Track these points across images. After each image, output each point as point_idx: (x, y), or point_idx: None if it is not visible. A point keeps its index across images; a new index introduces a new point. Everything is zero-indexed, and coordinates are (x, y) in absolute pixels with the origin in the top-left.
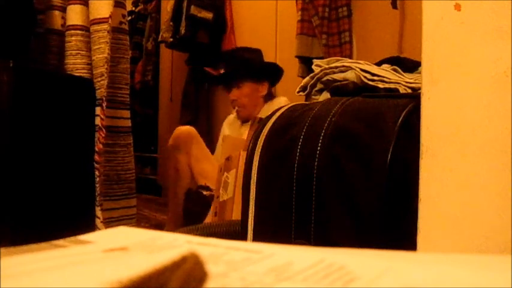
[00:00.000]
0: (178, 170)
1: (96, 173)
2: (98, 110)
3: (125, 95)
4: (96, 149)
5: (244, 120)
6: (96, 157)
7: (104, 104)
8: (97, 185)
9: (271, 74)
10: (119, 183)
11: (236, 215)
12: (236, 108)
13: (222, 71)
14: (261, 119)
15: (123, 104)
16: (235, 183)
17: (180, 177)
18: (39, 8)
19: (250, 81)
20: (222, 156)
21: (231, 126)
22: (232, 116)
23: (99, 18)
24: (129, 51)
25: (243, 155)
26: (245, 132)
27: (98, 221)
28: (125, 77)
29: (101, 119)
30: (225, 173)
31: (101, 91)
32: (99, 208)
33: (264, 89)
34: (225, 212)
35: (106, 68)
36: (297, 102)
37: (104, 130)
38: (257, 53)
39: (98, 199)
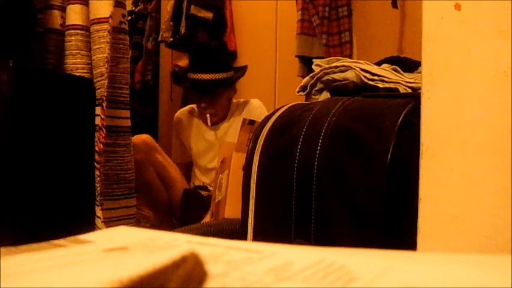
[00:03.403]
0: (150, 187)
1: (97, 172)
2: (98, 109)
3: (124, 95)
4: (97, 148)
5: (214, 123)
6: (97, 157)
7: (104, 104)
8: (97, 185)
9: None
10: (119, 183)
11: (228, 212)
12: (207, 115)
13: (185, 63)
14: (250, 120)
15: (123, 103)
16: (227, 182)
17: (153, 192)
18: (38, 7)
19: (226, 90)
20: (218, 160)
21: (195, 128)
22: (186, 114)
23: (99, 18)
24: (129, 51)
25: (235, 155)
26: (209, 132)
27: (98, 221)
28: (125, 77)
29: (101, 118)
30: (220, 175)
31: (101, 91)
32: (99, 208)
33: (234, 92)
34: (219, 211)
35: (106, 68)
36: (297, 102)
37: (104, 130)
38: (225, 50)
39: (98, 199)
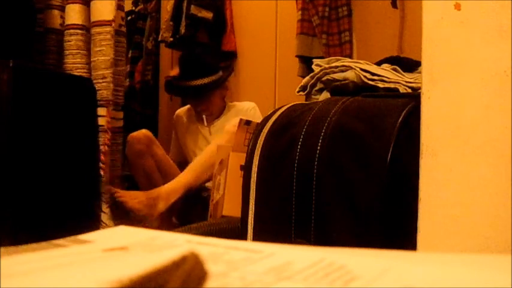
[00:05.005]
0: (150, 176)
1: (102, 172)
2: (100, 111)
3: (120, 97)
4: (103, 149)
5: (209, 121)
6: (102, 157)
7: (110, 107)
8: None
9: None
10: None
11: (226, 209)
12: (204, 116)
13: (176, 72)
14: (247, 121)
15: (118, 105)
16: (225, 181)
17: (152, 182)
18: (38, 7)
19: (217, 90)
20: (216, 163)
21: (192, 126)
22: (185, 112)
23: (102, 21)
24: (125, 52)
25: (232, 155)
26: (205, 128)
27: (104, 216)
28: (121, 79)
29: (107, 121)
30: (218, 176)
31: (102, 93)
32: (106, 205)
33: (226, 90)
34: (217, 211)
35: (111, 72)
36: (297, 102)
37: (109, 132)
38: (212, 52)
39: (104, 196)
